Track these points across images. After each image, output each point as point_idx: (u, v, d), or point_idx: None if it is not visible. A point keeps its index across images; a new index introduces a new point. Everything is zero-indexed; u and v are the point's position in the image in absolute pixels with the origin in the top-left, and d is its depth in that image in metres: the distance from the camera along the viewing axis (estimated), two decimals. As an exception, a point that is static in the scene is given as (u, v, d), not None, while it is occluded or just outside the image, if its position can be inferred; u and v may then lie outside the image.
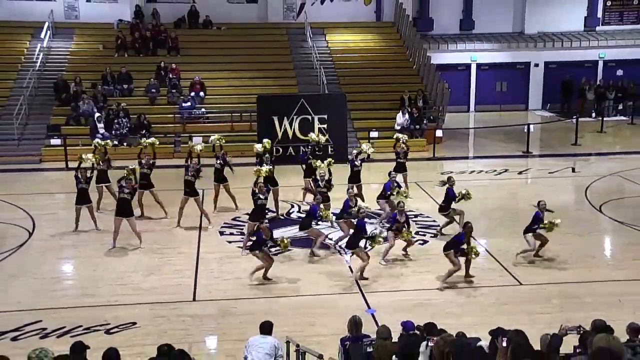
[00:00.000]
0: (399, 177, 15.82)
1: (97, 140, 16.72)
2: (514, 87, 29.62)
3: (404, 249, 12.96)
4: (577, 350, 6.52)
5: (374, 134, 21.73)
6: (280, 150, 20.76)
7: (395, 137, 17.40)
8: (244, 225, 14.71)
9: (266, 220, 12.91)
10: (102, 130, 21.53)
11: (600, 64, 29.65)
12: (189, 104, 22.91)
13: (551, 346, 6.09)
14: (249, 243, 12.51)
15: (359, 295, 11.44)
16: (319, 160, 15.57)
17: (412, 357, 5.98)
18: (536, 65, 29.33)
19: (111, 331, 10.17)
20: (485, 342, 6.54)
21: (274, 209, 15.50)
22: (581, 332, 6.37)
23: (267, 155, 15.71)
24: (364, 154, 15.98)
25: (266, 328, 8.10)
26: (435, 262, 12.81)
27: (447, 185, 13.93)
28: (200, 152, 15.29)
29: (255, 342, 7.96)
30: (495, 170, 19.40)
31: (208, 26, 26.94)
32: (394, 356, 6.89)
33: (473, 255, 11.75)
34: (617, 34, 29.46)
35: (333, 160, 15.39)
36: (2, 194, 17.20)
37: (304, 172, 16.12)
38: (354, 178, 15.61)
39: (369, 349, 7.63)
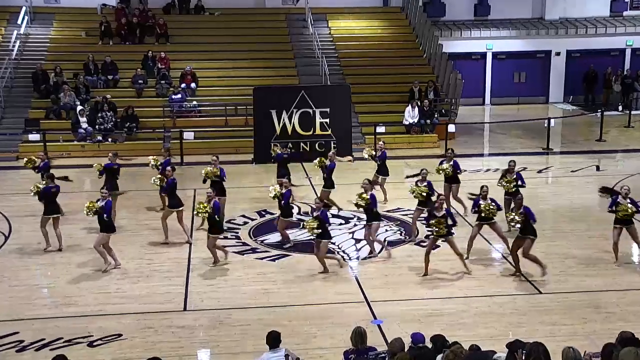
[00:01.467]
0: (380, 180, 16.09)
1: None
2: (533, 77, 29.64)
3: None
4: (601, 365, 6.53)
5: (380, 129, 21.74)
6: (280, 146, 20.72)
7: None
8: (239, 229, 14.78)
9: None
10: (84, 125, 21.61)
11: (628, 52, 29.67)
12: (179, 96, 22.95)
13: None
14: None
15: (364, 305, 11.46)
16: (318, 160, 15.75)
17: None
18: (557, 54, 29.35)
19: (95, 344, 10.17)
20: (502, 355, 6.56)
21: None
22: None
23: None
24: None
25: (274, 339, 8.11)
26: (446, 268, 12.84)
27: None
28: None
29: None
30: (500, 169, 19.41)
31: (200, 11, 26.99)
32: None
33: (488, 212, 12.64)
34: (646, 19, 29.48)
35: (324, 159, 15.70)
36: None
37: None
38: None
39: (375, 363, 7.66)
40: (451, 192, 15.28)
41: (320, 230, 12.22)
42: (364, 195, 13.01)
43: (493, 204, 12.81)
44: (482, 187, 13.17)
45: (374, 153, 16.65)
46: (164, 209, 14.65)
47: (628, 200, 12.69)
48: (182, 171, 18.85)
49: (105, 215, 12.53)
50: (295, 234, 14.50)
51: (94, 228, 13.56)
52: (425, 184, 13.95)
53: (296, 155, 20.09)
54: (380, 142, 17.35)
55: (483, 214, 12.80)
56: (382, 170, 16.49)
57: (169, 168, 14.48)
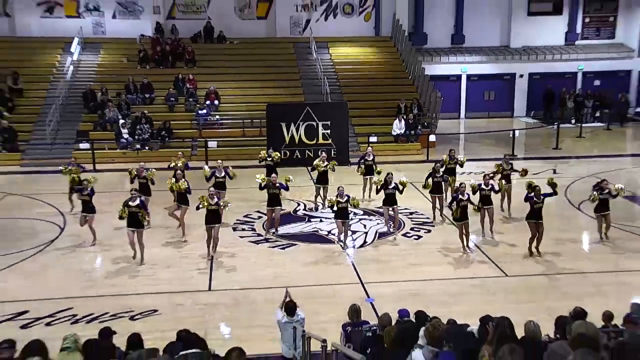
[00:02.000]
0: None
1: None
2: (500, 96, 29.61)
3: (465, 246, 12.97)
4: (557, 336, 6.52)
5: (373, 139, 21.73)
6: (288, 153, 20.79)
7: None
8: (254, 222, 14.80)
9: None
10: (126, 136, 21.63)
11: (579, 75, 29.61)
12: (204, 111, 22.97)
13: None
14: None
15: (359, 286, 11.46)
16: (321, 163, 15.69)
17: (407, 341, 6.01)
18: (521, 76, 29.30)
19: (135, 318, 10.21)
20: (474, 327, 6.55)
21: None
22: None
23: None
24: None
25: (290, 309, 8.36)
26: (428, 256, 12.85)
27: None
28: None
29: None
30: (484, 172, 19.31)
31: (222, 40, 26.99)
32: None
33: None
34: (594, 47, 29.41)
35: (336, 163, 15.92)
36: (36, 193, 17.32)
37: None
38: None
39: (368, 334, 7.66)
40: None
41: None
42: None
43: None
44: (460, 184, 13.28)
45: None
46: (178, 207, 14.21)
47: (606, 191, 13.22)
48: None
49: (139, 213, 12.23)
50: (302, 227, 14.52)
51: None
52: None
53: (302, 161, 20.21)
54: (369, 148, 17.21)
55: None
56: (369, 171, 16.29)
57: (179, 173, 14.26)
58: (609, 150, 22.98)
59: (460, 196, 12.83)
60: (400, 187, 13.84)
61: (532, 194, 12.72)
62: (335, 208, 13.03)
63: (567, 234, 14.13)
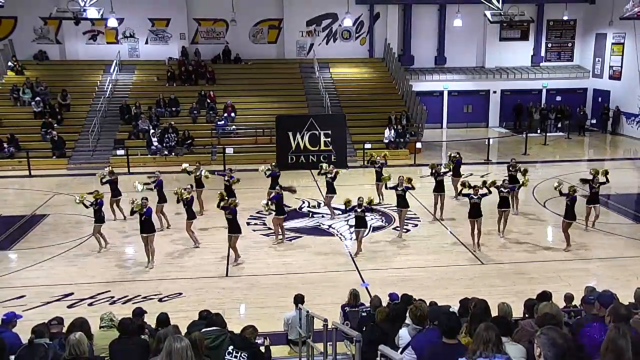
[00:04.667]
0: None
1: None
2: (477, 109, 29.51)
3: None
4: (525, 316, 6.50)
5: (367, 145, 21.69)
6: (294, 158, 20.79)
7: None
8: (265, 217, 14.77)
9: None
10: (155, 143, 21.63)
11: (544, 91, 29.51)
12: (222, 122, 22.94)
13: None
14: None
15: (355, 272, 11.44)
16: (325, 164, 15.65)
17: (398, 320, 6.01)
18: (494, 92, 29.20)
19: (163, 299, 10.22)
20: (455, 308, 6.54)
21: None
22: None
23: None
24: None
25: (296, 300, 8.28)
26: (415, 247, 12.83)
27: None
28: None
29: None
30: (463, 174, 19.33)
31: (238, 62, 26.96)
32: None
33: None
34: (556, 68, 29.36)
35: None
36: (80, 192, 17.28)
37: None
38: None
39: (364, 314, 7.65)
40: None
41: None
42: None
43: None
44: (474, 186, 12.83)
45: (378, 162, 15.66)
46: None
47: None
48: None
49: (144, 217, 11.59)
50: (306, 222, 14.51)
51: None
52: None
53: (306, 164, 20.17)
54: (382, 155, 16.36)
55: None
56: (379, 177, 15.60)
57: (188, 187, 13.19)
58: (569, 156, 22.96)
59: (472, 194, 12.20)
60: (410, 187, 13.04)
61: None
62: (349, 207, 12.16)
63: (533, 228, 14.10)
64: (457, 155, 16.36)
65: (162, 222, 13.96)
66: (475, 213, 12.36)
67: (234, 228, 11.81)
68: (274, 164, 16.31)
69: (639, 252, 12.37)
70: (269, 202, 12.75)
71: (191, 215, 12.68)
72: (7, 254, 12.73)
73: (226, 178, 14.54)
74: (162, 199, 14.02)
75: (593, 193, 13.14)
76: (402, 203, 13.03)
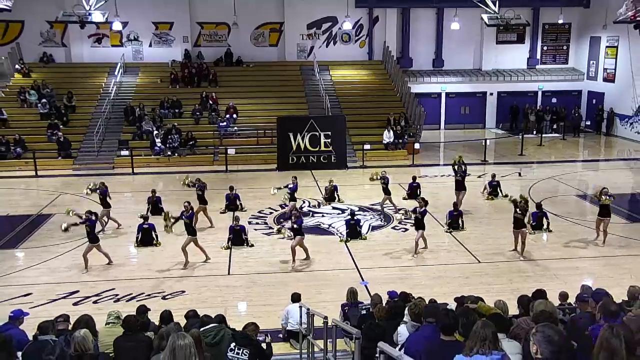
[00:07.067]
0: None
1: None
2: (474, 110, 29.50)
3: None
4: (521, 312, 6.50)
5: (366, 147, 21.70)
6: (295, 158, 20.79)
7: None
8: (266, 217, 14.78)
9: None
10: (159, 144, 21.62)
11: (540, 93, 29.50)
12: (225, 123, 22.94)
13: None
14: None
15: (355, 271, 11.44)
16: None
17: (397, 316, 6.02)
18: (491, 94, 29.19)
19: (166, 297, 10.22)
20: (452, 305, 6.54)
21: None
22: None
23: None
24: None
25: (295, 297, 8.24)
26: (413, 245, 12.80)
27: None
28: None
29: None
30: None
31: (240, 64, 26.95)
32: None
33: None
34: (551, 71, 29.34)
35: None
36: (83, 193, 17.28)
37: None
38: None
39: (363, 312, 7.65)
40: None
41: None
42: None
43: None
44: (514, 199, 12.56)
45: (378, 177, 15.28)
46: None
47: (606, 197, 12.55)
48: (226, 176, 18.88)
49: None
50: (306, 221, 14.50)
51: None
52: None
53: (307, 165, 20.18)
54: (383, 170, 15.83)
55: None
56: (387, 191, 15.13)
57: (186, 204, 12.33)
58: (564, 157, 22.92)
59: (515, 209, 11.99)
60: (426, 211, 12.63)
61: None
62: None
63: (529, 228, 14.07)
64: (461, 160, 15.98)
65: (212, 222, 14.02)
66: (519, 226, 12.16)
67: (191, 231, 11.86)
68: (294, 176, 15.40)
69: (632, 251, 12.37)
70: (293, 226, 12.05)
71: (192, 232, 12.03)
72: (14, 252, 12.74)
73: (197, 185, 14.25)
74: (202, 202, 14.05)
75: (602, 206, 12.76)
76: (420, 225, 12.54)
